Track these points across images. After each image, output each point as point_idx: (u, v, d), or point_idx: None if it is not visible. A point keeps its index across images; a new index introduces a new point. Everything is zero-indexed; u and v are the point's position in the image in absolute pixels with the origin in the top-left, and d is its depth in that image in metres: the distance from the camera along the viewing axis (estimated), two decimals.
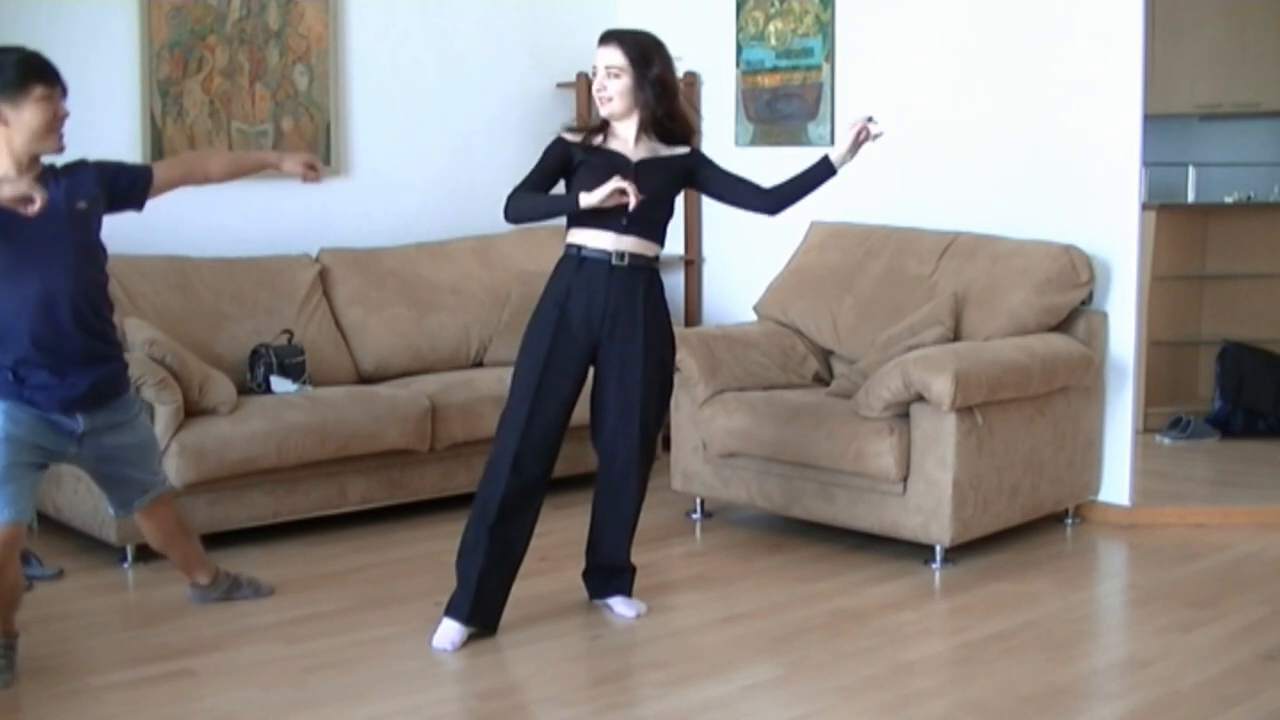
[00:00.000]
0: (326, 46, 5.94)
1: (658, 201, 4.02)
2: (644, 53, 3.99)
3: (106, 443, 3.81)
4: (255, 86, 5.76)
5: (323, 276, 5.74)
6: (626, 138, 4.05)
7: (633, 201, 3.82)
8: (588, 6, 6.84)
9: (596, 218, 3.95)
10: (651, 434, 4.16)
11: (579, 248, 4.03)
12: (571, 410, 4.06)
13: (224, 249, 5.61)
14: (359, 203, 6.12)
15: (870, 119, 4.03)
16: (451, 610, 3.98)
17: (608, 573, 4.29)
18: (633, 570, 4.29)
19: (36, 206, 3.37)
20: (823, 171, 4.11)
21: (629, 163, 4.00)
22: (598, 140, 4.06)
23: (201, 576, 4.26)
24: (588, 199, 3.88)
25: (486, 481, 4.01)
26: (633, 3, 6.82)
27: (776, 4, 6.22)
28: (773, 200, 4.16)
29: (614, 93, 3.98)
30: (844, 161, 4.08)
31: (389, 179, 6.19)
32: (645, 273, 4.06)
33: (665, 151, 4.08)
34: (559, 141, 4.10)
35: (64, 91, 3.59)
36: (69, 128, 5.36)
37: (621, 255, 3.99)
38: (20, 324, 3.56)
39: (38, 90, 3.51)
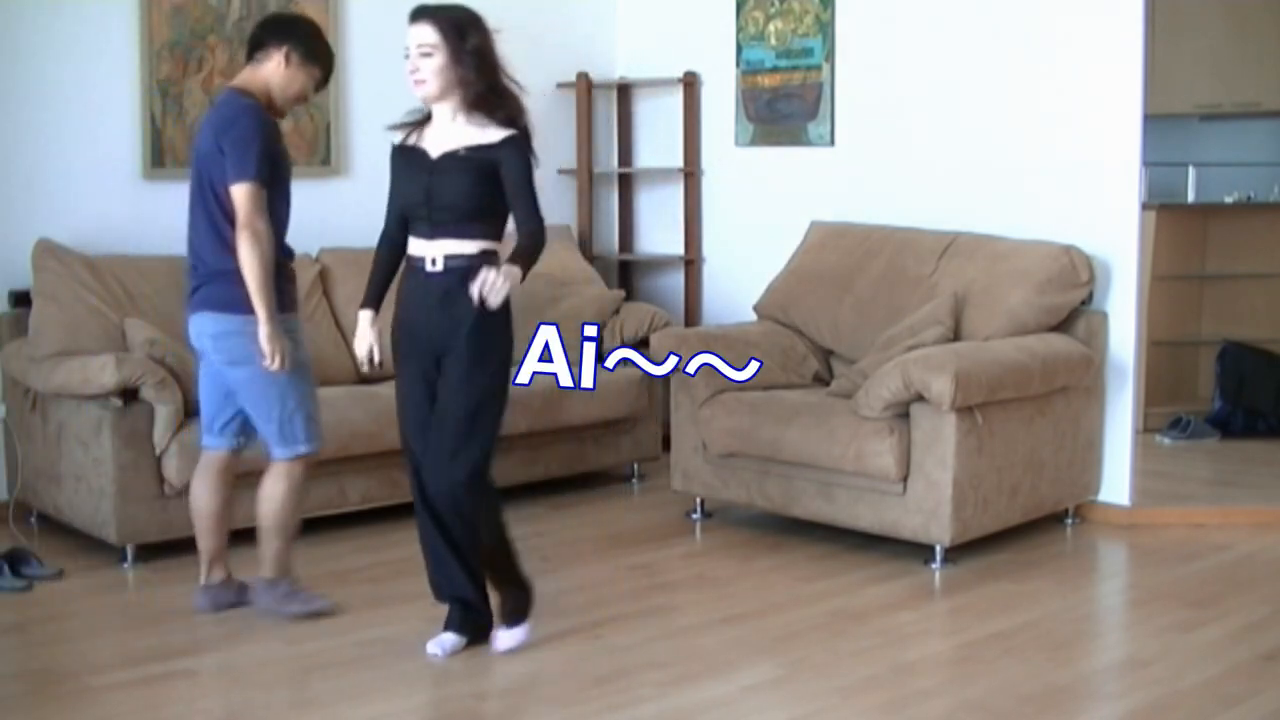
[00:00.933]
0: None
1: (460, 197, 3.72)
2: (457, 25, 3.70)
3: (295, 354, 4.06)
4: None
5: (323, 276, 5.74)
6: (443, 125, 3.79)
7: (366, 363, 3.91)
8: (588, 6, 6.84)
9: (411, 222, 3.81)
10: (470, 460, 3.72)
11: (408, 256, 3.82)
12: None
13: None
14: (359, 203, 6.08)
15: (484, 282, 3.54)
16: (450, 626, 3.93)
17: (464, 607, 3.92)
18: (508, 597, 3.94)
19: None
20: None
21: (428, 160, 3.79)
22: (414, 137, 3.86)
23: (219, 571, 4.25)
24: (356, 345, 3.93)
25: (418, 514, 3.87)
26: (632, 3, 6.83)
27: (776, 4, 6.22)
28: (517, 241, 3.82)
29: (427, 73, 3.70)
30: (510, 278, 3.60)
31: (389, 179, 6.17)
32: (466, 273, 3.67)
33: (478, 139, 3.74)
34: (392, 150, 3.90)
35: (318, 90, 4.22)
36: (68, 123, 5.37)
37: (435, 260, 3.73)
38: (282, 229, 4.10)
39: (318, 72, 4.13)
